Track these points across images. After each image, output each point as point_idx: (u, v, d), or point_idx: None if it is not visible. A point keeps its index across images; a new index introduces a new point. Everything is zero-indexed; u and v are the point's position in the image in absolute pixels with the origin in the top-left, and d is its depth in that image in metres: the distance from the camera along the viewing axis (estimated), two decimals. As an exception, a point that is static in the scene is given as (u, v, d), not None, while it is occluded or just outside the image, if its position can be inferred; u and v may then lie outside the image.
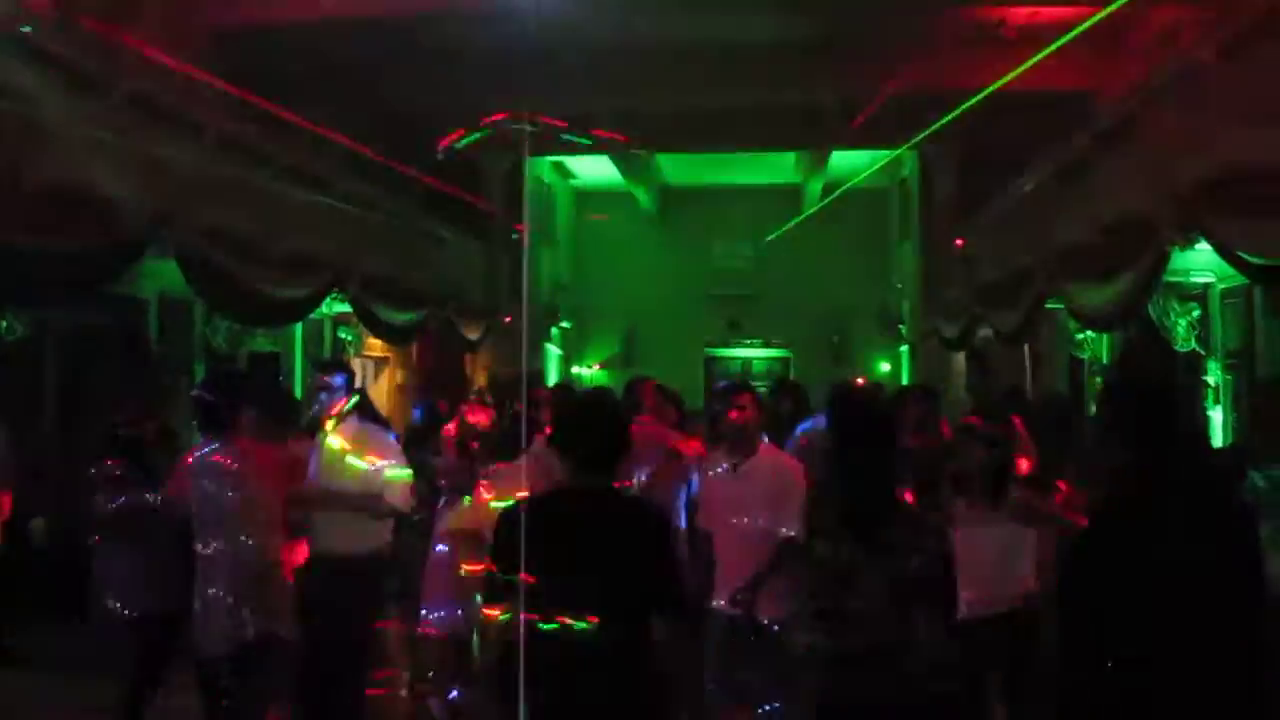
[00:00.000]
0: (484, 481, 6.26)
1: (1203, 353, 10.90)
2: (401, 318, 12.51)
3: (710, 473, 6.28)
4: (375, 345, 14.10)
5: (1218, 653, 3.32)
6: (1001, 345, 13.30)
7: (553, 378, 19.92)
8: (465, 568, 5.92)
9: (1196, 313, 10.78)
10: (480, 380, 15.62)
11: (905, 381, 18.86)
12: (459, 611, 6.49)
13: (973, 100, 8.94)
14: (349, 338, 13.80)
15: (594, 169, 20.59)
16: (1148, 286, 8.51)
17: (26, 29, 6.82)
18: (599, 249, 22.87)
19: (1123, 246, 8.48)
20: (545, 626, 3.51)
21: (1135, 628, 3.29)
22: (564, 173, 21.88)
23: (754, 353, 23.28)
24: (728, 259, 22.65)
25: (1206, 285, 10.74)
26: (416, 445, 7.98)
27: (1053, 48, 8.14)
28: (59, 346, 9.57)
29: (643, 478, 6.67)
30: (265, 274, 9.07)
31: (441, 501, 6.82)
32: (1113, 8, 8.03)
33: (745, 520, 5.92)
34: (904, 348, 20.28)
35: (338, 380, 6.47)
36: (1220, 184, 6.80)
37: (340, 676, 6.23)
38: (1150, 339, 10.88)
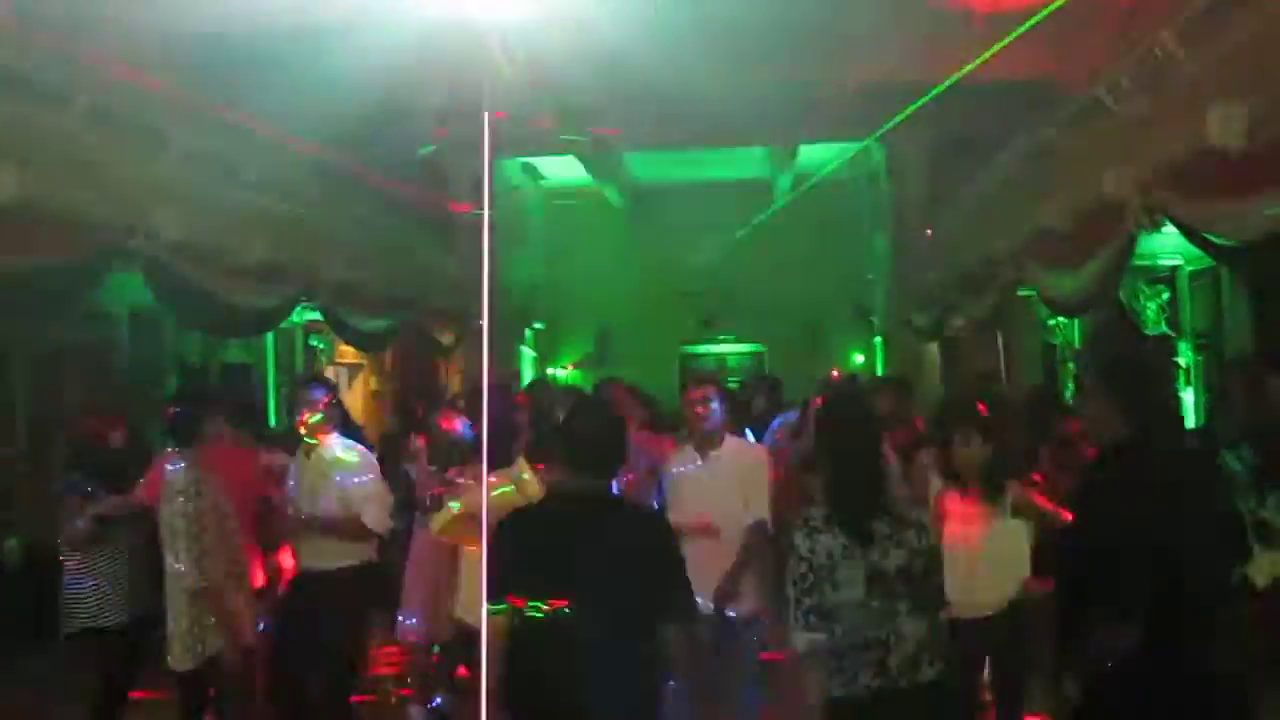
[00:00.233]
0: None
1: (1173, 335, 10.99)
2: (373, 324, 12.45)
3: (678, 468, 6.25)
4: (348, 352, 14.05)
5: (1203, 616, 3.36)
6: (974, 333, 13.36)
7: (528, 379, 19.88)
8: (469, 549, 5.91)
9: (1166, 295, 10.87)
10: (455, 385, 15.56)
11: (880, 372, 18.93)
12: (438, 619, 6.49)
13: (938, 89, 8.96)
14: (321, 346, 13.74)
15: (563, 169, 20.53)
16: (1117, 271, 8.56)
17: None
18: (571, 249, 22.83)
19: (1091, 232, 8.52)
20: (548, 635, 3.46)
21: (1133, 593, 3.33)
22: (533, 174, 21.82)
23: (728, 348, 23.28)
24: (699, 255, 22.64)
25: (1175, 268, 10.83)
26: (391, 454, 7.97)
27: (1015, 34, 8.16)
28: (29, 364, 9.49)
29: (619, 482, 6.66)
30: (234, 284, 9.00)
31: (416, 516, 6.82)
32: (1075, -6, 8.06)
33: (715, 513, 5.90)
34: (877, 338, 20.33)
35: (317, 393, 6.45)
36: (1185, 167, 6.84)
37: (326, 688, 6.23)
38: (1121, 323, 10.95)
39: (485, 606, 3.48)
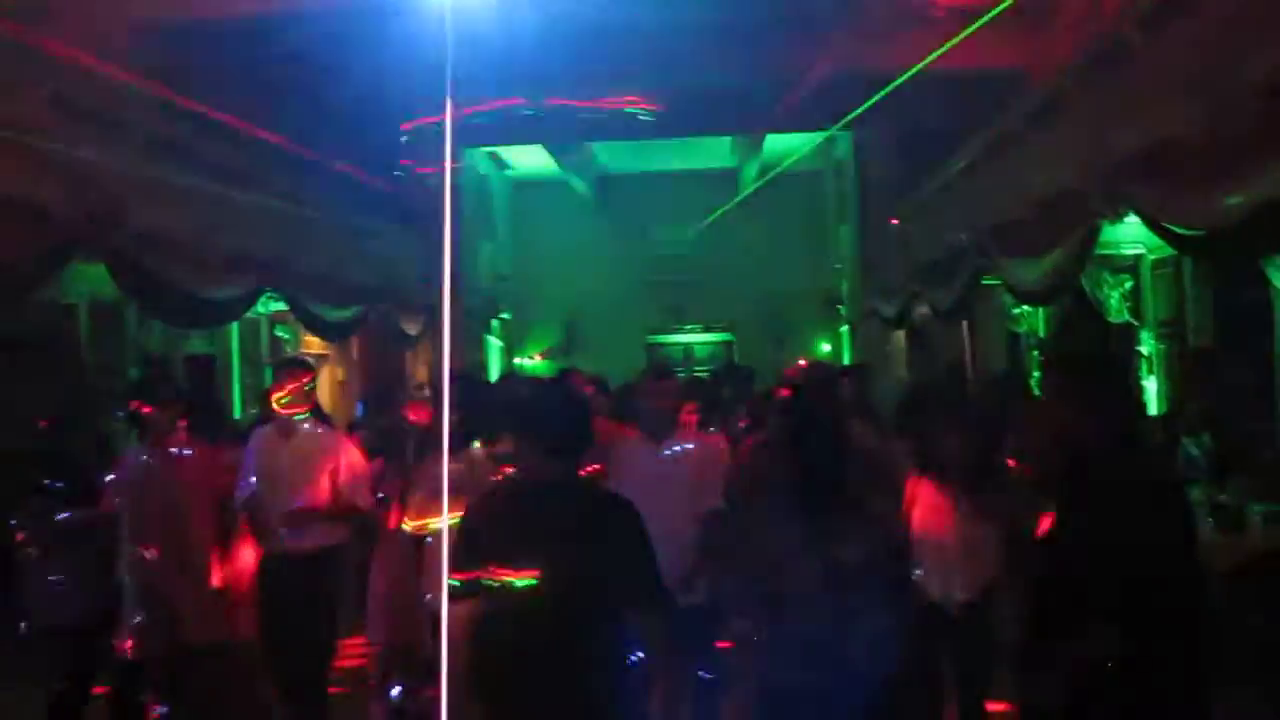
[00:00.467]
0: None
1: (1136, 323, 11.08)
2: (339, 314, 12.38)
3: (634, 457, 6.16)
4: (313, 343, 13.95)
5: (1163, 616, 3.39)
6: (940, 322, 13.43)
7: (495, 369, 19.86)
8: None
9: (1129, 284, 10.95)
10: (421, 375, 15.49)
11: (846, 361, 19.01)
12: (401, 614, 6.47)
13: (900, 79, 9.00)
14: (286, 336, 13.65)
15: (529, 159, 20.49)
16: (1080, 260, 8.62)
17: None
18: (538, 239, 22.79)
19: (1055, 221, 8.58)
20: (514, 621, 3.44)
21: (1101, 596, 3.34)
22: (499, 163, 21.75)
23: (695, 338, 23.30)
24: (666, 245, 22.66)
25: (1138, 257, 10.92)
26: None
27: (978, 25, 8.21)
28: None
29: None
30: (197, 275, 8.93)
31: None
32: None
33: (672, 502, 5.89)
34: (844, 327, 20.41)
35: (300, 371, 6.47)
36: (1146, 157, 6.89)
37: (309, 670, 6.24)
38: (1085, 311, 11.04)
39: (445, 589, 3.47)
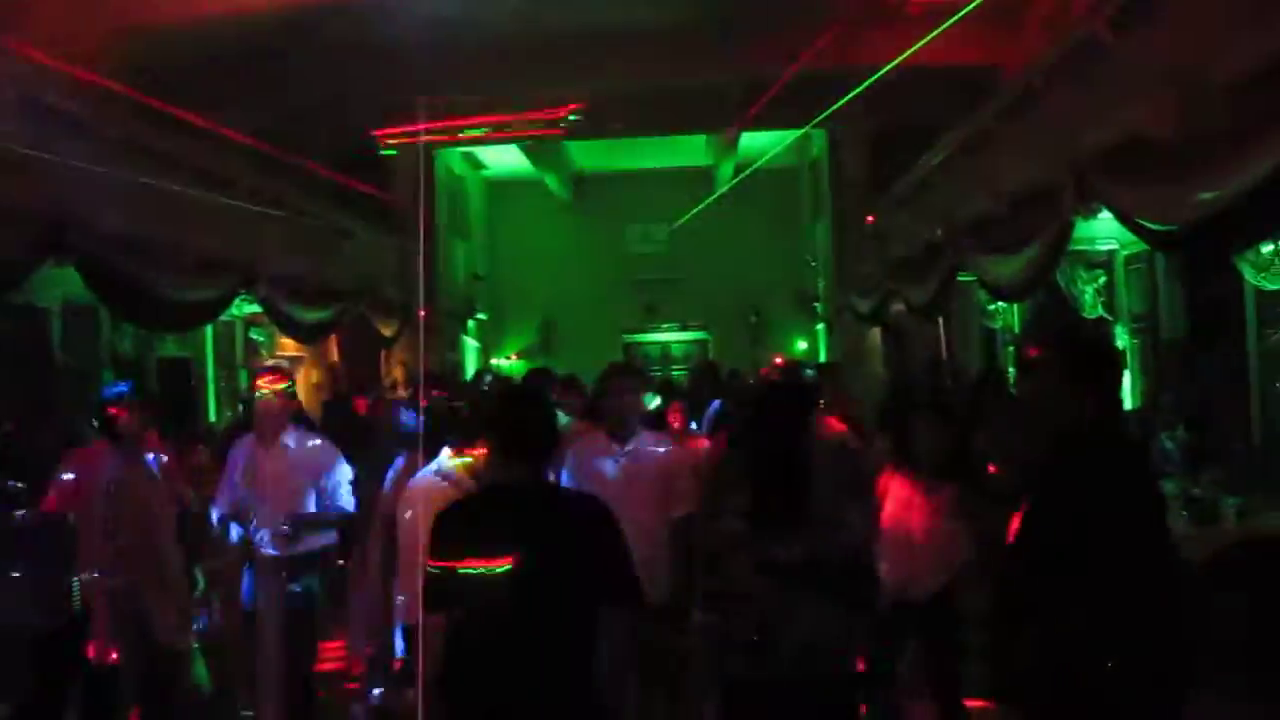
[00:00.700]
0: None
1: (1110, 318, 11.14)
2: (314, 316, 12.31)
3: (596, 457, 6.13)
4: (288, 345, 13.89)
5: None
6: (915, 319, 13.48)
7: (471, 370, 19.80)
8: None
9: (1102, 279, 11.01)
10: (397, 375, 15.45)
11: (822, 358, 19.06)
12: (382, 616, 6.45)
13: (874, 77, 9.01)
14: (261, 339, 13.58)
15: (504, 159, 20.44)
16: (1054, 256, 8.66)
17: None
18: (513, 239, 22.76)
19: (1029, 217, 8.62)
20: (487, 627, 3.43)
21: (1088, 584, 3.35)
22: (474, 163, 21.70)
23: (672, 336, 23.33)
24: (642, 244, 22.67)
25: (1111, 252, 10.98)
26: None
27: (951, 22, 8.23)
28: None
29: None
30: (171, 278, 8.86)
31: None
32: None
33: (637, 502, 5.86)
34: (820, 325, 20.45)
35: (280, 372, 6.54)
36: (1118, 152, 6.93)
37: (288, 674, 6.24)
38: (1059, 307, 11.09)
39: (421, 592, 3.46)
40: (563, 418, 7.50)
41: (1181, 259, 9.50)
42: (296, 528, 6.12)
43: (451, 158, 19.73)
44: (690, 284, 22.05)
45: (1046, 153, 8.18)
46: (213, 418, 12.19)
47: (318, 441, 6.59)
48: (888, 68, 8.86)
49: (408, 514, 5.28)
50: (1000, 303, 12.52)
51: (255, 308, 11.72)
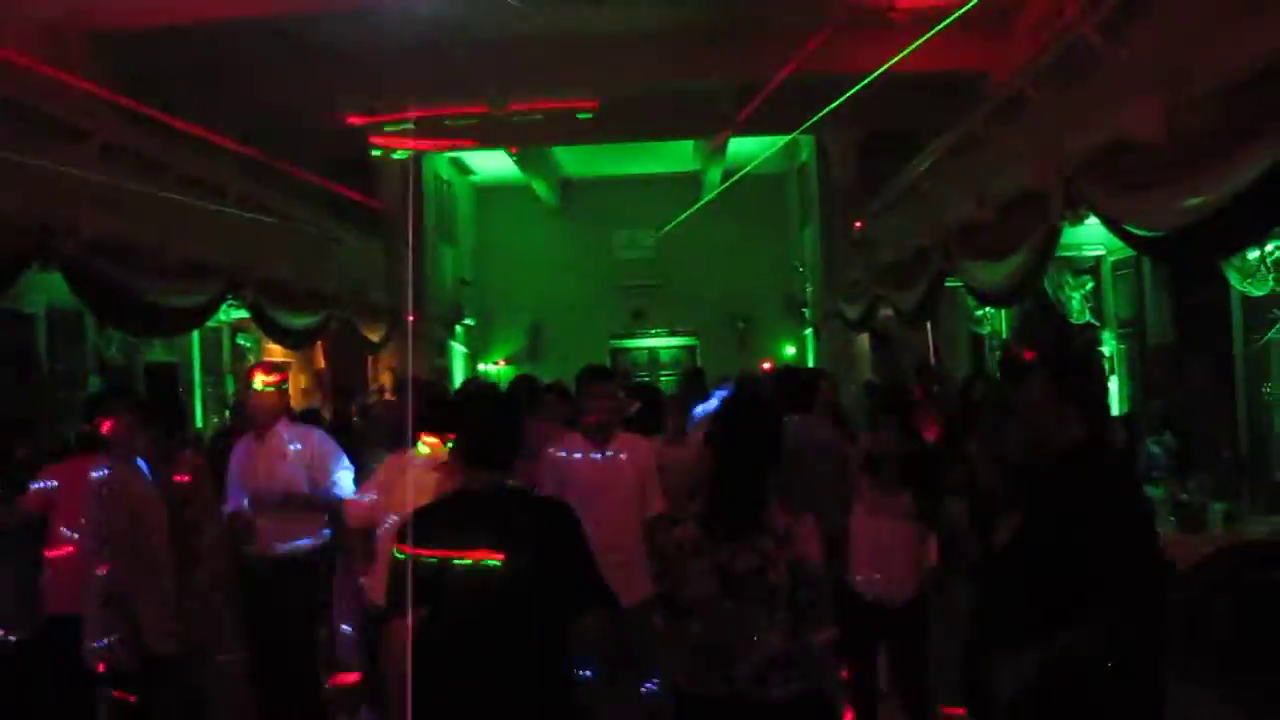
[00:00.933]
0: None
1: (1097, 324, 11.16)
2: (301, 321, 12.29)
3: (574, 460, 6.16)
4: (276, 350, 13.85)
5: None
6: (903, 324, 13.50)
7: (459, 376, 19.77)
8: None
9: (1090, 285, 11.03)
10: (384, 381, 15.41)
11: (810, 363, 19.07)
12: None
13: (863, 83, 9.03)
14: (248, 344, 13.54)
15: (492, 164, 20.43)
16: (1042, 261, 8.68)
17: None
18: (501, 244, 22.74)
19: (1016, 223, 8.63)
20: (452, 632, 3.41)
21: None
22: (462, 168, 21.68)
23: (660, 341, 23.32)
24: (630, 249, 22.66)
25: (1098, 258, 10.99)
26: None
27: (939, 28, 8.26)
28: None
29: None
30: (157, 283, 8.83)
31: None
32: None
33: (613, 505, 5.86)
34: (808, 330, 20.48)
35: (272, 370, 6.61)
36: (1105, 159, 6.94)
37: (295, 672, 6.32)
38: (1047, 312, 11.11)
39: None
40: None
41: (1168, 265, 9.52)
42: (275, 503, 6.13)
43: (439, 163, 19.71)
44: (678, 289, 22.05)
45: (1034, 158, 8.20)
46: (200, 424, 12.13)
47: (314, 432, 6.63)
48: (876, 73, 8.89)
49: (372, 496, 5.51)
50: (988, 308, 12.54)
51: (242, 313, 11.69)
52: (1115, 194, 6.88)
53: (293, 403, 13.91)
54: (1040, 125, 8.32)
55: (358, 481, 6.45)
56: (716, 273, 21.57)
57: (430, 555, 3.44)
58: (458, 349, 21.06)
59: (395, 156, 15.46)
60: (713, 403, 8.91)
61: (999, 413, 6.79)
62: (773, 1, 12.45)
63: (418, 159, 16.58)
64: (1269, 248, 7.54)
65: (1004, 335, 12.92)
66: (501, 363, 22.43)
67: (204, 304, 9.97)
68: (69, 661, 5.63)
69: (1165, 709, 3.62)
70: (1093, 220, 7.59)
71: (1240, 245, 7.01)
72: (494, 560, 3.46)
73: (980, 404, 7.74)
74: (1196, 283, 9.41)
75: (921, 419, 7.08)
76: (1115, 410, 10.61)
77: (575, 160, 21.14)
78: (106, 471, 5.71)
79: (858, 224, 15.30)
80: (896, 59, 8.60)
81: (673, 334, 23.15)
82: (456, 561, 3.45)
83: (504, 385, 9.90)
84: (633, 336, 23.15)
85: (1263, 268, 7.63)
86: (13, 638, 6.04)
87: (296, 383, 14.95)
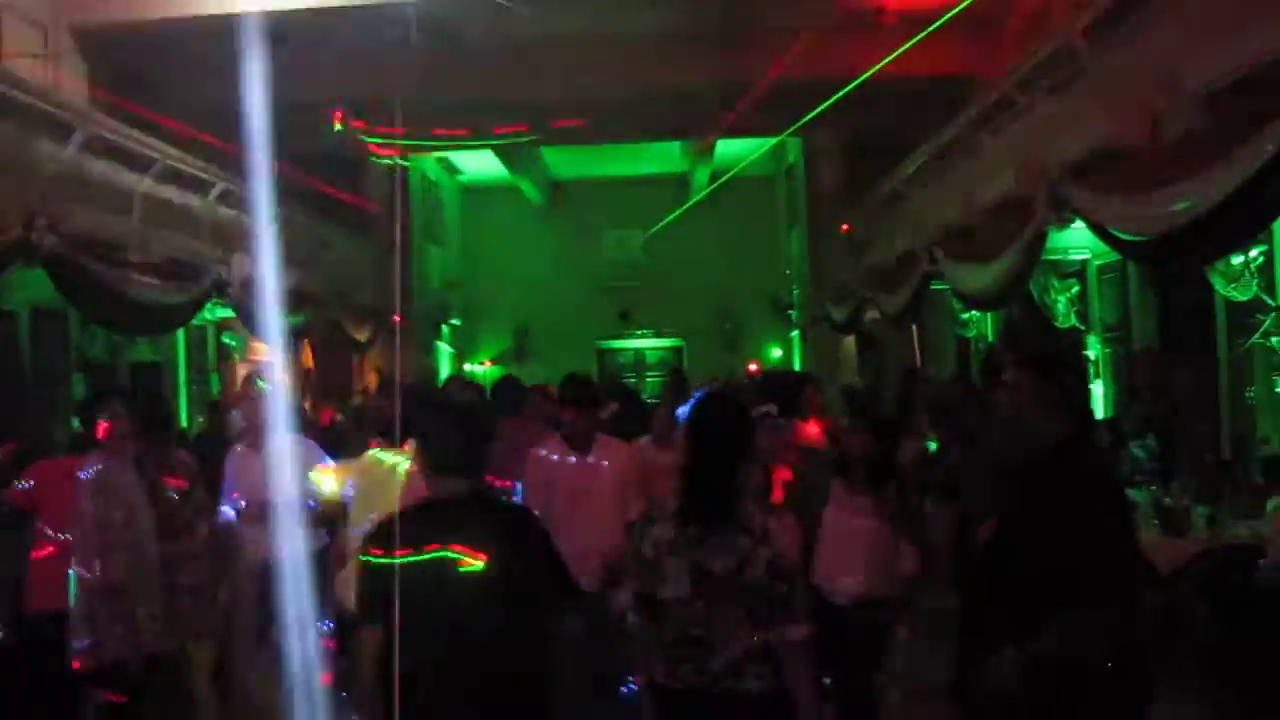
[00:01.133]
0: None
1: (1082, 328, 11.20)
2: (287, 320, 12.24)
3: (556, 460, 6.20)
4: (261, 350, 13.81)
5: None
6: (889, 327, 13.52)
7: (445, 375, 19.74)
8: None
9: (1075, 289, 11.06)
10: (370, 381, 15.38)
11: (797, 366, 19.09)
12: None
13: (850, 86, 9.05)
14: (233, 343, 13.49)
15: (480, 164, 20.40)
16: (1028, 265, 8.70)
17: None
18: (488, 245, 22.70)
19: (1003, 227, 8.66)
20: (422, 639, 3.39)
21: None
22: (450, 168, 21.65)
23: (646, 343, 23.32)
24: (617, 250, 22.63)
25: (1084, 262, 11.03)
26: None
27: (928, 31, 8.28)
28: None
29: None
30: (142, 280, 8.80)
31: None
32: (985, -7, 8.18)
33: (595, 509, 5.89)
34: (795, 332, 20.49)
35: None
36: (1091, 164, 6.97)
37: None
38: (1033, 316, 11.14)
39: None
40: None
41: (1153, 269, 9.56)
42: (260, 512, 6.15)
43: (426, 163, 19.68)
44: (665, 291, 22.03)
45: (1021, 162, 8.23)
46: (184, 423, 12.09)
47: (302, 440, 6.66)
48: (864, 76, 8.91)
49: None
50: (974, 312, 12.56)
51: (228, 312, 11.64)
52: (1101, 198, 6.91)
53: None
54: (1027, 130, 8.35)
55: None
56: (703, 274, 21.57)
57: (400, 562, 3.42)
58: (444, 349, 21.03)
59: (383, 163, 15.43)
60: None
61: (978, 414, 6.83)
62: (761, 4, 12.46)
63: (403, 157, 16.53)
64: (1253, 253, 7.58)
65: (990, 339, 12.95)
66: (488, 363, 22.39)
67: (189, 302, 9.93)
68: (53, 661, 5.61)
69: (1149, 710, 3.64)
70: (1078, 224, 7.61)
71: (1224, 250, 7.04)
72: (464, 566, 3.46)
73: (960, 406, 7.77)
74: (1181, 287, 9.44)
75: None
76: (1100, 413, 10.65)
77: (563, 161, 21.12)
78: (99, 468, 5.69)
79: (845, 226, 15.32)
80: (884, 62, 8.62)
81: (659, 335, 23.15)
82: (426, 569, 3.44)
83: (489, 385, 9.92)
84: (619, 338, 23.14)
85: (1246, 272, 7.66)
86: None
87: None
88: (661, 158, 20.58)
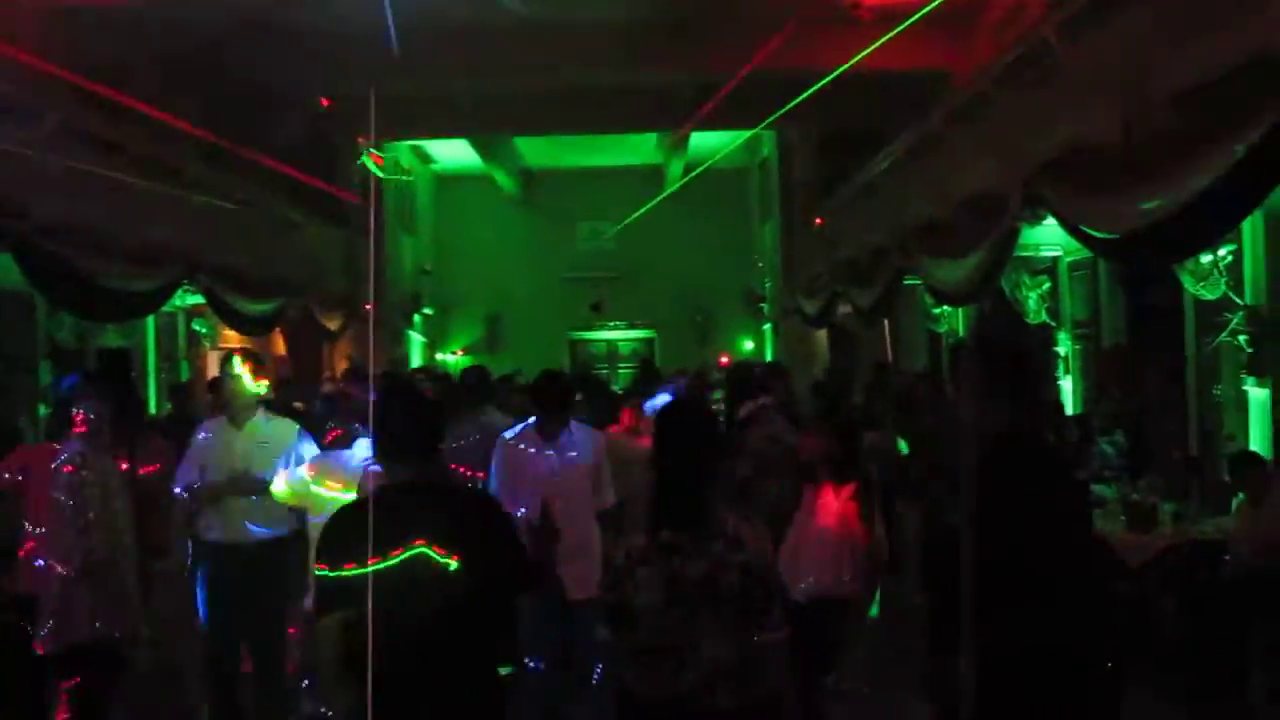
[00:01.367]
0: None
1: (1053, 324, 11.27)
2: (257, 308, 12.15)
3: (527, 454, 6.27)
4: (232, 337, 13.71)
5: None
6: (861, 321, 13.56)
7: (416, 364, 19.67)
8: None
9: (1046, 285, 11.13)
10: (339, 369, 15.30)
11: (769, 358, 19.13)
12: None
13: (825, 80, 9.03)
14: (204, 330, 13.40)
15: (453, 153, 20.33)
16: (1000, 261, 8.74)
17: None
18: (461, 234, 22.64)
19: (975, 223, 8.69)
20: (382, 627, 3.39)
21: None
22: (423, 157, 21.56)
23: (619, 334, 23.33)
24: (591, 241, 22.62)
25: (1055, 258, 11.10)
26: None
27: (902, 27, 8.27)
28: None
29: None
30: (111, 267, 8.70)
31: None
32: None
33: (569, 497, 5.87)
34: (767, 325, 20.53)
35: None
36: (1063, 161, 7.00)
37: (268, 658, 6.38)
38: (1003, 312, 11.21)
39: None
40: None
41: (1124, 267, 9.63)
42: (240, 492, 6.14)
43: (400, 151, 19.59)
44: (638, 282, 22.05)
45: (994, 159, 8.26)
46: (153, 410, 11.99)
47: (285, 420, 6.66)
48: (839, 71, 8.89)
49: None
50: (946, 307, 12.62)
51: (198, 299, 11.56)
52: (1072, 196, 6.94)
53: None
54: (1000, 126, 8.38)
55: None
56: (676, 266, 21.59)
57: (357, 556, 3.41)
58: (416, 338, 20.96)
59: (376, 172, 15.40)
60: (661, 398, 8.99)
61: (936, 409, 6.88)
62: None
63: (378, 146, 16.45)
64: (1221, 252, 7.65)
65: (961, 334, 13.02)
66: (459, 352, 22.34)
67: (160, 289, 9.83)
68: (20, 645, 5.59)
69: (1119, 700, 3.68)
70: (1050, 221, 7.65)
71: (1194, 249, 7.10)
72: (430, 560, 3.46)
73: (925, 402, 7.82)
74: (1150, 285, 9.52)
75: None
76: (1069, 409, 10.73)
77: (537, 151, 21.07)
78: (77, 450, 5.66)
79: (818, 220, 15.35)
80: (859, 56, 8.61)
81: (632, 327, 23.15)
82: (392, 571, 3.43)
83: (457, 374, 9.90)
84: (592, 329, 23.13)
85: (1215, 271, 7.74)
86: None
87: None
88: (636, 149, 20.57)
